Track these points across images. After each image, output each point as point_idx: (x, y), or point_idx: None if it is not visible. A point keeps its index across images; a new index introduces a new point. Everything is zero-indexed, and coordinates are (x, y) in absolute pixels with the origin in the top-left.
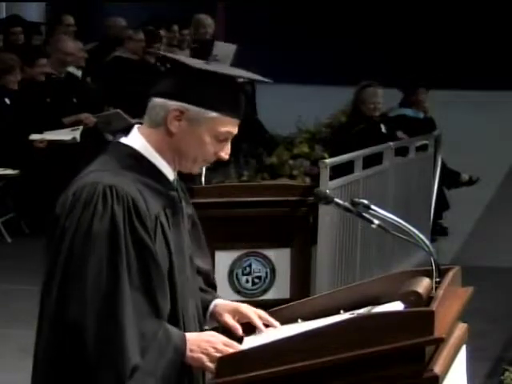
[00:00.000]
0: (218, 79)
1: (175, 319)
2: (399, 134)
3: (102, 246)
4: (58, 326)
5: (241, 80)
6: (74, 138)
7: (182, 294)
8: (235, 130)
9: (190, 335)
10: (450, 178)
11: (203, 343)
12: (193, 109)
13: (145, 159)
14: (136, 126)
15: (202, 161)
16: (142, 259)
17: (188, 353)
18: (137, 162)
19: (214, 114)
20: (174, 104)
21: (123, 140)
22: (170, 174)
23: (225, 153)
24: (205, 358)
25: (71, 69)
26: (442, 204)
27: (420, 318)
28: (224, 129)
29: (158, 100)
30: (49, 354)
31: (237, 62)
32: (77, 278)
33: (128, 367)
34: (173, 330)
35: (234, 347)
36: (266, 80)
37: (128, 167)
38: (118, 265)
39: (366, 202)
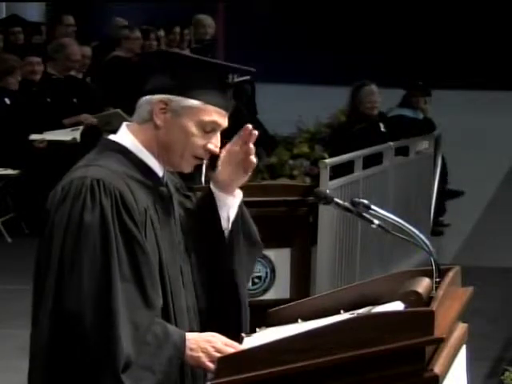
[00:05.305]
0: (199, 67)
1: (166, 312)
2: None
3: (94, 237)
4: (56, 318)
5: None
6: (74, 138)
7: (174, 286)
8: (223, 122)
9: (189, 334)
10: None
11: (203, 343)
12: (175, 98)
13: (133, 155)
14: (125, 124)
15: (191, 156)
16: (132, 251)
17: (188, 351)
18: (125, 158)
19: (195, 102)
20: (157, 97)
21: (112, 137)
22: (158, 169)
23: (213, 145)
24: (204, 358)
25: (72, 71)
26: (440, 208)
27: (420, 317)
28: (209, 118)
29: (144, 98)
30: (48, 347)
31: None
32: (72, 270)
33: (121, 357)
34: (172, 327)
35: (234, 347)
36: (250, 69)
37: (116, 162)
38: (110, 257)
39: (366, 201)
